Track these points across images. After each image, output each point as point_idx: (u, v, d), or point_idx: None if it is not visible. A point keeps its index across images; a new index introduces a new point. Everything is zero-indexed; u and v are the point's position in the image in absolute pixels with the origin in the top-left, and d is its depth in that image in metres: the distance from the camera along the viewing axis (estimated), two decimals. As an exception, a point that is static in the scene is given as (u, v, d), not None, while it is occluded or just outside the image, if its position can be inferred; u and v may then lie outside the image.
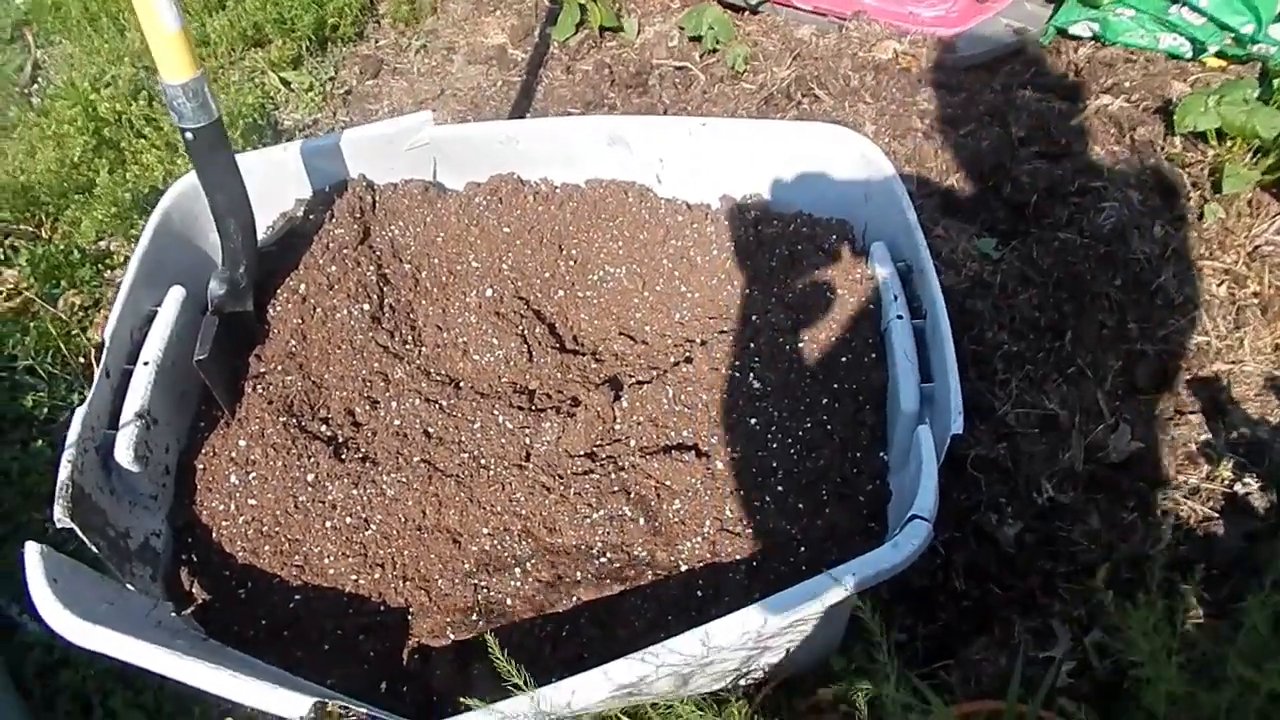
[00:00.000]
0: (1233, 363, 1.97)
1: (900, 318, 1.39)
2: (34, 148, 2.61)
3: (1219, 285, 2.05)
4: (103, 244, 2.36)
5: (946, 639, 1.72)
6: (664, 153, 1.68)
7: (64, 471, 1.25)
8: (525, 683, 1.06)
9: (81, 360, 2.16)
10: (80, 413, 1.32)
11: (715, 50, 2.80)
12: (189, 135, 1.30)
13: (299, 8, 2.93)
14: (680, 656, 1.10)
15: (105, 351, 1.40)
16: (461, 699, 1.09)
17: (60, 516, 1.22)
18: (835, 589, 1.09)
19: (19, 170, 2.56)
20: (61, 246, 2.30)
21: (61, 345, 2.10)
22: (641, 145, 1.68)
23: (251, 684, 1.10)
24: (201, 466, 1.47)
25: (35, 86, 3.01)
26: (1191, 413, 1.90)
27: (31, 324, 2.16)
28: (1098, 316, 1.94)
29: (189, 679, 1.11)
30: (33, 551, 1.18)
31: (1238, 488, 1.82)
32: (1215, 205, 2.11)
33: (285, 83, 2.87)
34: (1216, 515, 1.80)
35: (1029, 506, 1.79)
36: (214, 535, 1.43)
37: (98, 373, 1.38)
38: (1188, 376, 1.93)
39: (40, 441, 1.96)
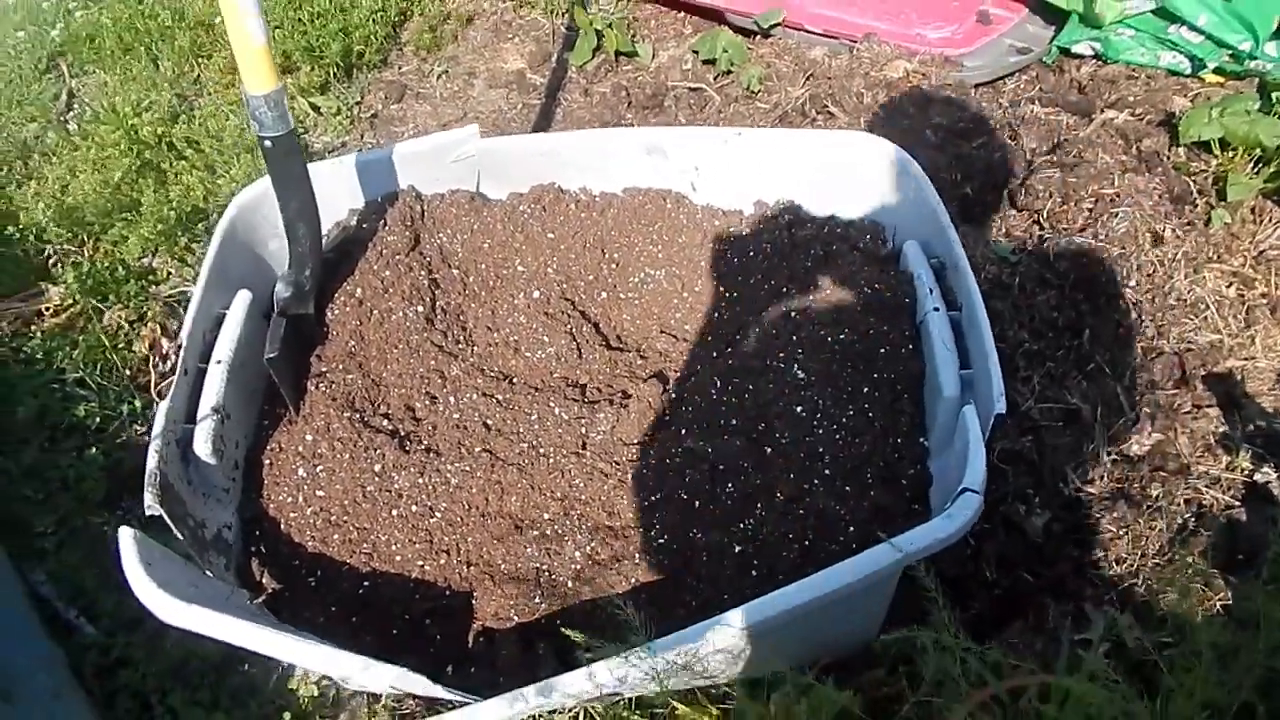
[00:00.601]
0: (1245, 359, 2.04)
1: (937, 310, 1.47)
2: (74, 171, 2.68)
3: (1228, 287, 2.14)
4: (146, 261, 2.43)
5: (979, 626, 1.77)
6: (699, 161, 1.77)
7: (151, 461, 1.31)
8: (647, 633, 1.10)
9: (128, 373, 2.22)
10: (163, 406, 1.38)
11: (729, 72, 2.91)
12: (267, 143, 1.38)
13: (327, 36, 3.03)
14: (744, 624, 1.15)
15: (182, 351, 1.47)
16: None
17: (151, 503, 1.28)
18: (895, 557, 1.15)
19: (61, 192, 2.64)
20: (106, 264, 2.36)
21: (113, 356, 2.16)
22: (677, 154, 1.77)
23: (346, 657, 1.15)
24: (269, 461, 1.53)
25: (71, 114, 3.10)
26: (1209, 406, 1.97)
27: (80, 338, 2.22)
28: (1114, 316, 2.02)
29: (283, 654, 1.17)
30: (127, 536, 1.23)
31: (1257, 477, 1.88)
32: (1221, 211, 2.20)
33: (314, 107, 2.97)
34: (1238, 504, 1.86)
35: (1055, 497, 1.86)
36: (282, 527, 1.48)
37: (177, 371, 1.44)
38: (1203, 372, 2.01)
39: (94, 449, 2.02)
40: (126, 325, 2.28)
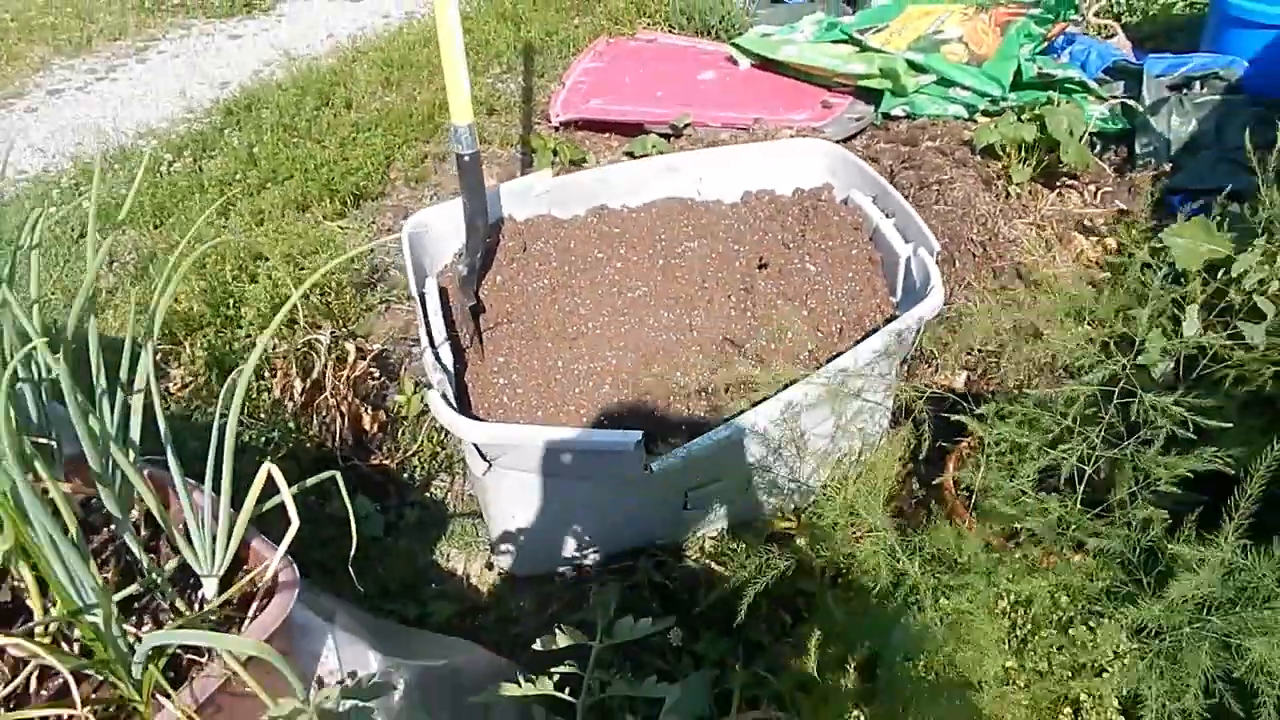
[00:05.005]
0: (1053, 270, 3.12)
1: (881, 218, 2.39)
2: (148, 295, 3.23)
3: (1031, 230, 3.25)
4: (249, 339, 2.99)
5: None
6: (703, 172, 2.67)
7: (428, 356, 1.96)
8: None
9: (262, 416, 2.74)
10: (421, 332, 2.04)
11: (658, 164, 3.90)
12: (465, 158, 2.14)
13: (338, 176, 3.80)
14: (827, 378, 1.93)
15: (420, 308, 2.13)
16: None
17: (441, 379, 1.92)
18: (901, 329, 1.99)
19: (141, 313, 3.16)
20: (219, 344, 2.91)
21: (249, 403, 2.69)
22: (688, 168, 2.66)
23: (601, 432, 1.82)
24: (470, 383, 2.18)
25: (114, 265, 3.63)
26: (1042, 296, 3.00)
27: (218, 394, 2.74)
28: (971, 251, 3.05)
29: (556, 438, 1.82)
30: (433, 394, 1.87)
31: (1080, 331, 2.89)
32: (1014, 188, 3.35)
33: (341, 228, 3.68)
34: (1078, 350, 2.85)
35: (968, 359, 2.77)
36: (494, 419, 2.12)
37: (420, 319, 2.11)
38: (1033, 277, 3.05)
39: (268, 460, 2.52)
40: (254, 381, 2.82)
